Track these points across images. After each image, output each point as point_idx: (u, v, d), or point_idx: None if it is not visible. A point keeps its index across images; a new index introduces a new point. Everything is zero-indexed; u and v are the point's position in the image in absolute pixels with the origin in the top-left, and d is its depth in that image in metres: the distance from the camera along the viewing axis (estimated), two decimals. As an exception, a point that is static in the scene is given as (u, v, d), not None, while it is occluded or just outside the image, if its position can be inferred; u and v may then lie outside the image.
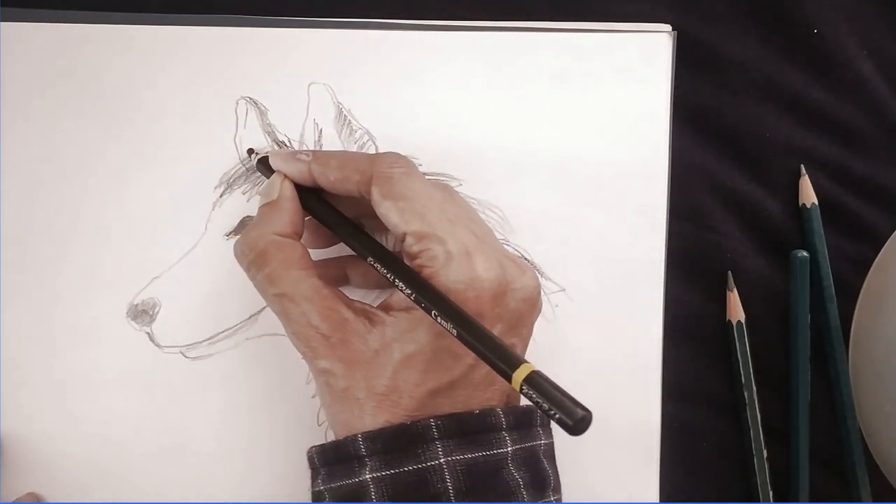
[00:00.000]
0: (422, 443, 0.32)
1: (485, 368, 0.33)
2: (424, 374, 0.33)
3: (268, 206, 0.36)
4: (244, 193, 0.41)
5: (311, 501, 0.35)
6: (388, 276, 0.33)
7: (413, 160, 0.39)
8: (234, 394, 0.41)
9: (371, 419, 0.33)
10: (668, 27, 0.43)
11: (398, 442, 0.32)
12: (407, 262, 0.34)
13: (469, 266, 0.33)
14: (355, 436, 0.33)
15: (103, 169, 0.41)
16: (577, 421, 0.27)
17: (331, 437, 0.35)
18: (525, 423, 0.34)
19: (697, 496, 0.44)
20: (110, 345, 0.40)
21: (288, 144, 0.42)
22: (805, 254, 0.44)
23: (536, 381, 0.28)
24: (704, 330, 0.45)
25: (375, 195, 0.34)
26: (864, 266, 0.44)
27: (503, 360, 0.29)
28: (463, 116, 0.42)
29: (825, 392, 0.45)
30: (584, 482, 0.42)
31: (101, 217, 0.41)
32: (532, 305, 0.35)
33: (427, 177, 0.39)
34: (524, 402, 0.31)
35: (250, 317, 0.41)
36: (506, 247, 0.39)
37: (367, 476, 0.32)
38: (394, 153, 0.36)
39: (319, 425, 0.41)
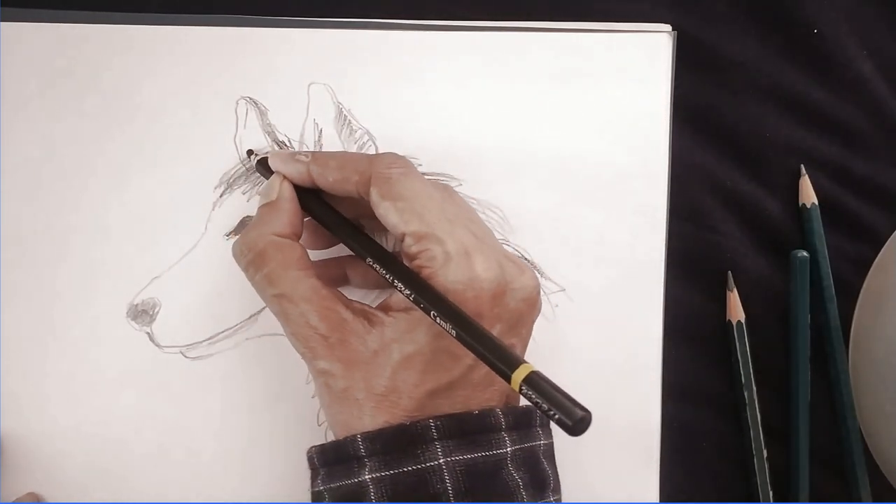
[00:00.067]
0: (421, 443, 0.32)
1: (484, 369, 0.33)
2: (423, 374, 0.33)
3: (267, 207, 0.36)
4: (244, 193, 0.41)
5: (310, 501, 0.35)
6: (387, 276, 0.33)
7: (413, 160, 0.40)
8: (234, 394, 0.41)
9: (370, 419, 0.33)
10: (668, 27, 0.43)
11: (397, 442, 0.32)
12: (406, 262, 0.34)
13: (468, 266, 0.33)
14: (354, 436, 0.33)
15: (103, 169, 0.41)
16: (577, 421, 0.27)
17: (331, 438, 0.35)
18: (524, 424, 0.34)
19: (697, 496, 0.44)
20: (110, 345, 0.40)
21: (288, 144, 0.41)
22: (805, 254, 0.44)
23: (536, 382, 0.28)
24: (704, 330, 0.45)
25: (374, 196, 0.34)
26: (864, 266, 0.44)
27: (502, 360, 0.29)
28: (463, 116, 0.42)
29: (825, 392, 0.45)
30: (584, 482, 0.42)
31: (101, 217, 0.41)
32: (531, 305, 0.35)
33: (427, 177, 0.39)
34: (524, 402, 0.31)
35: (250, 317, 0.41)
36: (506, 247, 0.39)
37: (367, 476, 0.32)
38: (392, 153, 0.36)
39: (319, 425, 0.41)
